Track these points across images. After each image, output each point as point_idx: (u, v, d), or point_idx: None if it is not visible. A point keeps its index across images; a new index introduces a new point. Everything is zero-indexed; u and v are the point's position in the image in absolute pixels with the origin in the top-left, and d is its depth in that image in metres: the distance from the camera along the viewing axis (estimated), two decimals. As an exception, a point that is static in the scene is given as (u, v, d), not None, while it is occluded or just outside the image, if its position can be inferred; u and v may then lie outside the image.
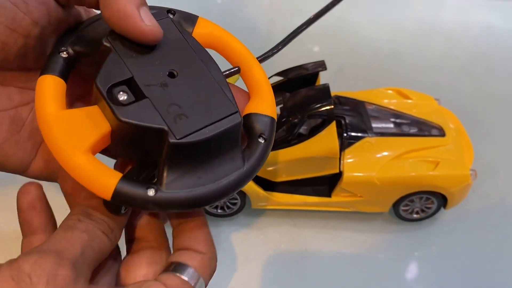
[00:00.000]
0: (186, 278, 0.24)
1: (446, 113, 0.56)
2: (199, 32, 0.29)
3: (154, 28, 0.25)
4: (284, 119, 0.48)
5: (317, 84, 0.53)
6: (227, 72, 0.30)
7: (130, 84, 0.27)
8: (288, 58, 0.78)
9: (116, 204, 0.26)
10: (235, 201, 0.51)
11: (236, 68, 0.30)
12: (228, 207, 0.52)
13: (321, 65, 0.53)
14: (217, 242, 0.51)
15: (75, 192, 0.27)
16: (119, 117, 0.25)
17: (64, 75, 0.27)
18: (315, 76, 0.53)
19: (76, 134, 0.25)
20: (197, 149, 0.26)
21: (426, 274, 0.50)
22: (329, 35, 0.84)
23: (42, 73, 0.26)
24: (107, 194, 0.24)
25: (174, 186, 0.25)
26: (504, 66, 0.79)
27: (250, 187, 0.49)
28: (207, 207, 0.52)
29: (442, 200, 0.50)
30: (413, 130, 0.52)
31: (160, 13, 0.28)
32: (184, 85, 0.27)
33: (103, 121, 0.26)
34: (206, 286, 0.26)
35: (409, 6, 0.92)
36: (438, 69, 0.78)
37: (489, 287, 0.49)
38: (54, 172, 0.28)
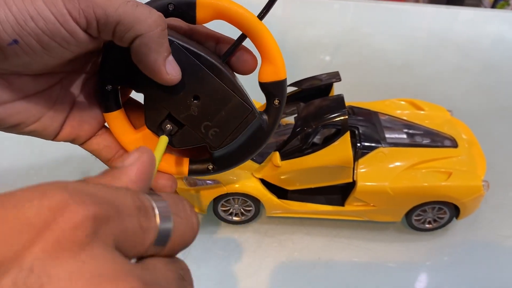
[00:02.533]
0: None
1: (459, 124, 0.57)
2: (202, 14, 0.33)
3: (176, 76, 0.32)
4: (298, 129, 0.49)
5: (331, 94, 0.54)
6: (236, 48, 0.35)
7: (171, 117, 0.35)
8: (302, 69, 0.79)
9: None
10: (250, 208, 0.52)
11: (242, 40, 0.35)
12: (243, 214, 0.53)
13: (335, 76, 0.54)
14: (231, 248, 0.52)
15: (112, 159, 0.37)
16: (174, 147, 0.36)
17: (118, 103, 0.36)
18: (329, 87, 0.54)
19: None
20: (230, 153, 0.38)
21: (437, 284, 0.50)
22: (342, 47, 0.85)
23: (105, 111, 0.35)
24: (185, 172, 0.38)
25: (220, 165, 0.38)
26: (516, 79, 0.79)
27: (265, 195, 0.50)
28: (222, 215, 0.53)
29: (455, 211, 0.51)
30: (426, 141, 0.52)
31: (161, 7, 0.32)
32: (208, 103, 0.34)
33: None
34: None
35: (421, 18, 0.93)
36: (450, 80, 0.79)
37: (501, 298, 0.49)
38: (79, 137, 0.35)
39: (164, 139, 0.34)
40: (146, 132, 0.37)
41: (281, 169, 0.49)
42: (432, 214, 0.52)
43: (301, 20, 0.92)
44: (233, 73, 0.36)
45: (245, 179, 0.50)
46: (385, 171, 0.49)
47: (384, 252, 0.53)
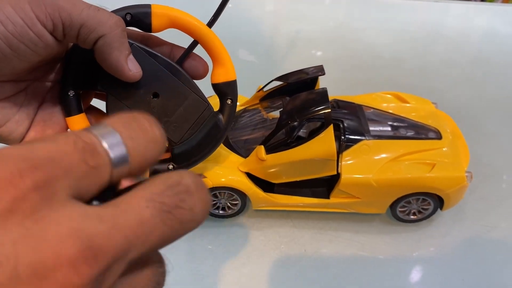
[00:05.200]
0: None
1: (443, 117, 0.57)
2: (157, 23, 0.36)
3: (137, 73, 0.34)
4: (283, 122, 0.49)
5: (316, 88, 0.55)
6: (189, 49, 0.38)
7: None
8: (291, 63, 0.80)
9: None
10: (236, 202, 0.53)
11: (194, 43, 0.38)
12: (229, 208, 0.53)
13: (321, 70, 0.54)
14: (217, 242, 0.52)
15: None
16: None
17: (80, 108, 0.38)
18: (314, 80, 0.55)
19: None
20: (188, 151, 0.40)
21: (424, 275, 0.51)
22: (333, 42, 0.86)
23: (67, 115, 0.37)
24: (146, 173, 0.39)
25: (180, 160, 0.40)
26: (504, 71, 0.80)
27: (250, 188, 0.51)
28: (210, 209, 0.53)
29: (439, 202, 0.51)
30: (410, 133, 0.53)
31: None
32: (167, 100, 0.37)
33: None
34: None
35: (412, 12, 0.94)
36: (439, 74, 0.79)
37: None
38: None
39: None
40: None
41: (266, 162, 0.49)
42: (416, 205, 0.52)
43: (292, 15, 0.92)
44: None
45: (230, 173, 0.50)
46: (369, 164, 0.50)
47: (371, 244, 0.53)
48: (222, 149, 0.52)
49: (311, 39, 0.86)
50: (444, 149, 0.52)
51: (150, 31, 0.37)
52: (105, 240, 0.15)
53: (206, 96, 0.39)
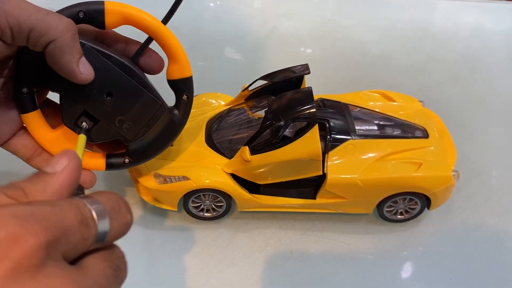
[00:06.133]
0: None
1: (430, 115, 0.57)
2: (111, 20, 0.36)
3: (89, 75, 0.35)
4: (268, 122, 0.48)
5: (302, 87, 0.54)
6: (143, 46, 0.39)
7: (87, 113, 0.38)
8: (280, 61, 0.79)
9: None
10: (221, 204, 0.52)
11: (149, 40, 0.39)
12: (214, 210, 0.53)
13: (306, 68, 0.53)
14: (203, 245, 0.52)
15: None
16: (92, 141, 0.40)
17: (35, 105, 0.38)
18: (300, 79, 0.54)
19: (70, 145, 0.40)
20: (144, 146, 0.42)
21: (412, 275, 0.50)
22: (319, 38, 0.85)
23: (22, 112, 0.38)
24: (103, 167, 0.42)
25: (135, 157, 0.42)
26: (491, 68, 0.79)
27: (235, 190, 0.50)
28: (193, 211, 0.52)
29: (426, 201, 0.51)
30: (397, 132, 0.52)
31: (72, 15, 0.36)
32: (120, 99, 0.38)
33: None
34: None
35: (400, 9, 0.93)
36: (426, 71, 0.79)
37: (476, 286, 0.49)
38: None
39: (82, 138, 0.37)
40: (63, 130, 0.40)
41: (251, 163, 0.49)
42: (403, 205, 0.52)
43: (280, 12, 0.91)
44: (143, 73, 0.40)
45: (215, 174, 0.49)
46: (355, 163, 0.49)
47: (358, 244, 0.53)
48: (206, 150, 0.51)
49: (298, 36, 0.86)
50: (431, 148, 0.51)
51: (104, 28, 0.37)
52: None
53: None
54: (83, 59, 0.34)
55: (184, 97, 0.41)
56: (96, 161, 0.42)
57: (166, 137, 0.42)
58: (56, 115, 0.40)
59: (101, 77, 0.36)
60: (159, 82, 0.42)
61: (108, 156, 0.42)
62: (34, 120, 0.39)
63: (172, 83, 0.41)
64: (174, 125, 0.42)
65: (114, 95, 0.38)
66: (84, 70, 0.34)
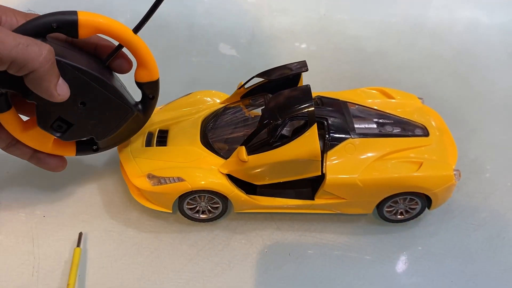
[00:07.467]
0: None
1: (430, 112, 0.56)
2: (83, 32, 0.39)
3: (66, 95, 0.39)
4: (265, 122, 0.47)
5: (299, 84, 0.53)
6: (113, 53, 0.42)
7: (62, 119, 0.42)
8: (275, 57, 0.77)
9: None
10: (217, 205, 0.50)
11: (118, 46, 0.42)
12: (210, 211, 0.51)
13: (304, 66, 0.52)
14: (198, 247, 0.50)
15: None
16: (65, 140, 0.45)
17: (9, 105, 0.41)
18: (297, 76, 0.52)
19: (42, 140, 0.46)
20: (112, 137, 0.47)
21: (412, 275, 0.49)
22: (315, 33, 0.83)
23: None
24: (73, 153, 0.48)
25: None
26: (488, 63, 0.79)
27: (232, 191, 0.48)
28: (189, 213, 0.51)
29: (426, 201, 0.50)
30: (397, 130, 0.51)
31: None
32: (93, 107, 0.42)
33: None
34: None
35: (395, 4, 0.92)
36: (423, 67, 0.78)
37: (476, 287, 0.49)
38: None
39: (77, 252, 0.46)
40: (35, 131, 0.44)
41: (248, 163, 0.47)
42: (403, 205, 0.51)
43: (274, 7, 0.89)
44: (114, 74, 0.44)
45: (210, 175, 0.48)
46: (355, 163, 0.48)
47: (357, 245, 0.51)
48: (201, 150, 0.50)
49: (294, 31, 0.84)
50: (431, 146, 0.50)
51: (77, 38, 0.39)
52: None
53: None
54: (61, 81, 0.37)
55: (150, 96, 0.45)
56: (67, 148, 0.47)
57: (132, 129, 0.48)
58: (32, 107, 0.42)
59: (76, 89, 0.40)
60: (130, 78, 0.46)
61: (78, 143, 0.48)
62: (9, 119, 0.42)
63: (141, 86, 0.45)
64: (139, 119, 0.47)
65: (88, 104, 0.42)
66: (61, 92, 0.38)
